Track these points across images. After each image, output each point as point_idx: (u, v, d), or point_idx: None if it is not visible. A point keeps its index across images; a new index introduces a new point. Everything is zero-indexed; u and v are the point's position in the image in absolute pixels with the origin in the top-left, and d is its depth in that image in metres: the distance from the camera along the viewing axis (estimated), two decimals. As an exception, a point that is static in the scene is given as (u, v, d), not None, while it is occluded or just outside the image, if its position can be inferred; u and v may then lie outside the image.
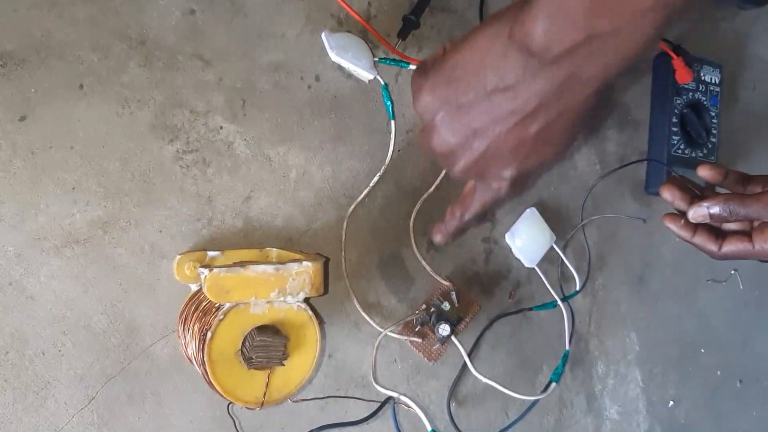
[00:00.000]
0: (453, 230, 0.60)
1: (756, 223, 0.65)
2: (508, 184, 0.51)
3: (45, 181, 0.63)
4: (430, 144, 0.49)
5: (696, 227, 0.65)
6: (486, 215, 0.56)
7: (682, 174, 0.88)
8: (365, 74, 0.73)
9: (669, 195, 0.65)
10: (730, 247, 0.64)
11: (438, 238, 0.62)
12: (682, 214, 0.64)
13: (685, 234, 0.65)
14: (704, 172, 0.67)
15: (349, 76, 0.74)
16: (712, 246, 0.65)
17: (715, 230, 0.66)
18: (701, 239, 0.65)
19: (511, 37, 0.43)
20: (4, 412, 0.62)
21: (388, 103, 0.74)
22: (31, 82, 0.62)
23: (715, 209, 0.61)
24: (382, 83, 0.74)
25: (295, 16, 0.71)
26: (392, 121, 0.75)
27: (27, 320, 0.63)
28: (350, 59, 0.71)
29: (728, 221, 0.64)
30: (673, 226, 0.65)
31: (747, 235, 0.64)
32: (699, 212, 0.62)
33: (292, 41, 0.71)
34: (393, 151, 0.75)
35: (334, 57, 0.71)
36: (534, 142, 0.47)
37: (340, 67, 0.73)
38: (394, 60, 0.74)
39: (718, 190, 0.67)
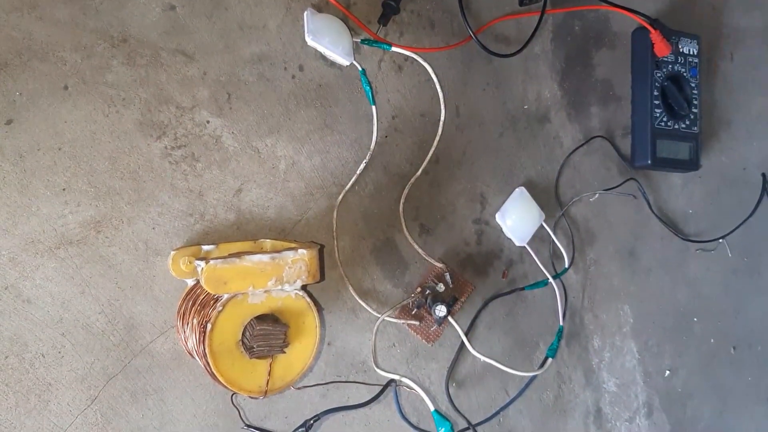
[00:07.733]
0: None
1: None
2: None
3: (35, 184, 0.63)
4: None
5: None
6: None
7: (666, 145, 0.89)
8: (342, 60, 0.72)
9: None
10: None
11: None
12: None
13: None
14: None
15: (333, 64, 0.74)
16: None
17: None
18: None
19: None
20: (6, 416, 0.62)
21: (368, 88, 0.75)
22: (15, 85, 0.62)
23: None
24: (360, 69, 0.74)
25: (276, 7, 0.71)
26: (373, 107, 0.75)
27: (25, 324, 0.63)
28: (327, 44, 0.70)
29: None
30: None
31: None
32: None
33: (274, 32, 0.71)
34: (377, 137, 0.76)
35: (310, 41, 0.70)
36: None
37: (323, 56, 0.73)
38: (376, 42, 0.74)
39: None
